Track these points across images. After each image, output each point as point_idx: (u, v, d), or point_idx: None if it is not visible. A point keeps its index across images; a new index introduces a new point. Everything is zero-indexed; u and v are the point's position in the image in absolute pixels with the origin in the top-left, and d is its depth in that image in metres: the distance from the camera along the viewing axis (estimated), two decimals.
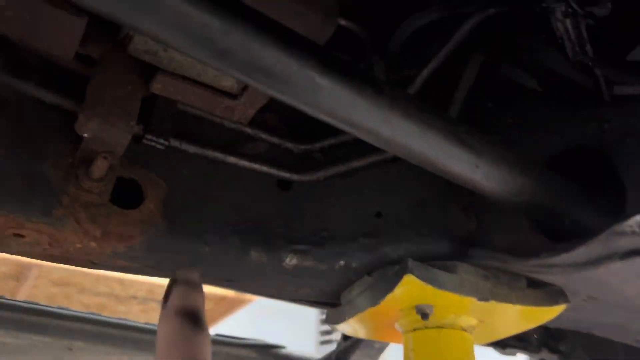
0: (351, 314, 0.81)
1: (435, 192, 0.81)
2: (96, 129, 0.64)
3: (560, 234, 0.71)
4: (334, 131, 0.87)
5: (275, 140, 0.83)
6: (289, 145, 0.84)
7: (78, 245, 0.68)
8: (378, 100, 0.54)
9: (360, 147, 0.85)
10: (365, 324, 0.84)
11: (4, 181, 0.63)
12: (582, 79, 0.81)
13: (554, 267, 0.65)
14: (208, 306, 4.08)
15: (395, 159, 0.84)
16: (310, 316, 4.91)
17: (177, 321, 0.55)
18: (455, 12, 0.79)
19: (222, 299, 4.10)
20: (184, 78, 0.68)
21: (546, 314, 0.77)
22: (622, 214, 0.64)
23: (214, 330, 1.50)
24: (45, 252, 0.68)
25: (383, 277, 0.75)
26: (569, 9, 0.68)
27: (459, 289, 0.71)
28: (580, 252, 0.61)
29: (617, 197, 0.70)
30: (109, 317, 1.30)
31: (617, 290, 0.70)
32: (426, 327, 0.77)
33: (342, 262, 0.79)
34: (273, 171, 0.81)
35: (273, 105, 0.85)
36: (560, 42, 0.73)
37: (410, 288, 0.71)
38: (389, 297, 0.72)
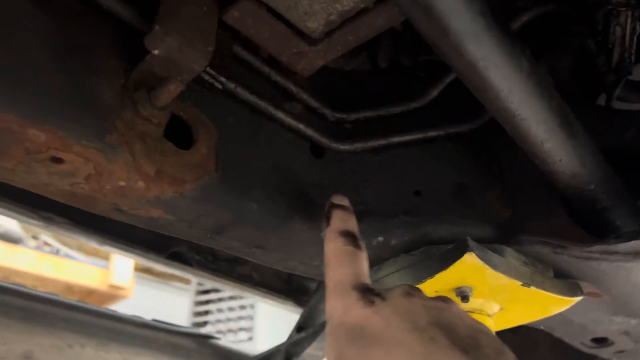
0: None
1: (473, 177, 0.80)
2: (173, 46, 0.54)
3: (592, 228, 0.74)
4: (366, 104, 0.84)
5: (313, 103, 0.77)
6: (326, 111, 0.79)
7: (121, 183, 0.56)
8: (522, 60, 0.52)
9: (395, 124, 0.82)
10: None
11: (53, 90, 0.51)
12: (584, 86, 0.87)
13: (615, 254, 0.67)
14: (72, 298, 3.71)
15: (433, 140, 0.82)
16: (183, 304, 4.69)
17: (341, 240, 0.59)
18: (513, 3, 0.80)
19: (91, 293, 3.74)
20: (269, 9, 0.61)
21: (562, 304, 0.79)
22: None
23: None
24: (74, 187, 0.56)
25: (429, 255, 0.73)
26: (637, 14, 0.72)
27: (508, 271, 0.70)
28: None
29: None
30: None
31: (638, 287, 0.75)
32: None
33: (380, 239, 0.75)
34: (314, 134, 0.75)
35: None
36: (610, 48, 0.77)
37: (464, 268, 0.69)
38: (438, 276, 0.70)
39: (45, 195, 0.58)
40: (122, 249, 1.01)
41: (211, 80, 0.63)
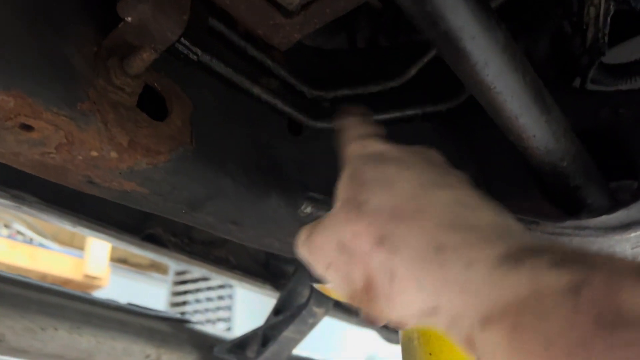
0: None
1: (449, 156, 0.80)
2: (146, 13, 0.53)
3: (565, 206, 0.76)
4: (344, 82, 0.83)
5: (291, 79, 0.77)
6: (303, 88, 0.78)
7: (93, 153, 0.55)
8: (497, 32, 0.52)
9: (373, 103, 0.82)
10: None
11: (22, 55, 0.49)
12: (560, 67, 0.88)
13: (586, 229, 0.69)
14: None
15: (410, 119, 0.82)
16: (160, 294, 4.66)
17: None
18: None
19: (66, 283, 3.68)
20: None
21: None
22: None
23: None
24: (44, 157, 0.55)
25: None
26: None
27: None
28: (619, 215, 0.65)
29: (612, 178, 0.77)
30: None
31: None
32: None
33: None
34: (291, 111, 0.74)
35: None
36: (584, 29, 0.78)
37: None
38: None
39: (14, 166, 0.57)
40: (96, 230, 0.99)
41: (186, 52, 0.62)
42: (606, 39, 0.77)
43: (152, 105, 0.61)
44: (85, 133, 0.53)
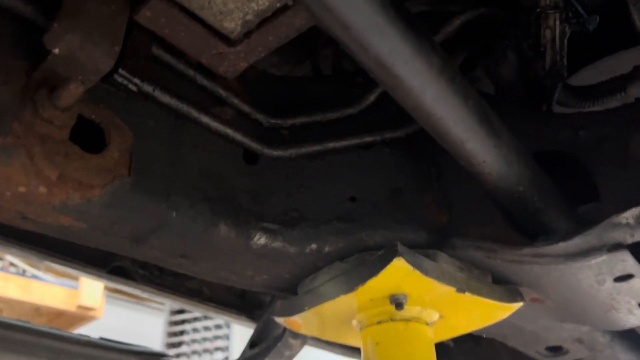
0: (313, 304, 0.74)
1: (410, 182, 0.79)
2: (74, 44, 0.52)
3: (528, 231, 0.73)
4: (305, 110, 0.82)
5: (245, 108, 0.75)
6: (259, 116, 0.77)
7: (21, 189, 0.53)
8: (431, 56, 0.51)
9: (331, 130, 0.81)
10: (322, 317, 0.78)
11: None
12: (527, 90, 0.87)
13: (545, 257, 0.66)
14: (40, 321, 3.60)
15: (370, 146, 0.80)
16: (157, 324, 4.59)
17: None
18: (444, 7, 0.80)
19: (60, 314, 3.65)
20: (182, 9, 0.59)
21: (504, 311, 0.78)
22: (599, 209, 0.68)
23: None
24: None
25: (363, 262, 0.71)
26: (564, 17, 0.71)
27: (441, 277, 0.68)
28: (577, 242, 0.63)
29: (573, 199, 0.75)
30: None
31: (579, 291, 0.73)
32: (392, 320, 0.73)
33: (313, 246, 0.72)
34: (245, 140, 0.73)
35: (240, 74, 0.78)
36: (542, 51, 0.77)
37: (395, 273, 0.67)
38: (370, 282, 0.68)
39: None
40: (61, 263, 0.97)
41: (125, 82, 0.61)
42: (565, 61, 0.76)
43: (93, 137, 0.60)
44: (10, 168, 0.52)
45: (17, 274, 3.37)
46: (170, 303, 1.18)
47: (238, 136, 0.72)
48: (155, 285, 1.11)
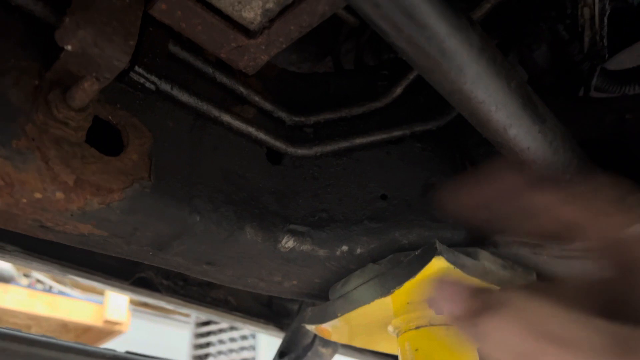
0: (346, 310, 0.70)
1: (444, 177, 0.74)
2: (87, 40, 0.49)
3: None
4: (328, 106, 0.78)
5: (267, 106, 0.72)
6: (281, 114, 0.73)
7: (37, 195, 0.50)
8: (470, 33, 0.46)
9: (358, 126, 0.77)
10: (355, 323, 0.74)
11: None
12: (561, 75, 0.82)
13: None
14: (68, 337, 3.61)
15: (399, 141, 0.76)
16: (183, 336, 4.57)
17: None
18: None
19: (87, 330, 3.65)
20: (199, 0, 0.56)
21: None
22: None
23: None
24: None
25: (397, 263, 0.66)
26: None
27: (484, 276, 0.64)
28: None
29: None
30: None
31: None
32: (431, 325, 0.69)
33: (345, 248, 0.68)
34: (268, 139, 0.69)
35: (260, 73, 0.75)
36: (580, 31, 0.72)
37: (434, 274, 0.62)
38: (407, 285, 0.63)
39: None
40: (83, 276, 0.95)
41: (142, 81, 0.58)
42: (605, 41, 0.71)
43: (110, 140, 0.57)
44: (24, 173, 0.49)
45: (44, 290, 3.39)
46: (195, 314, 1.14)
47: (261, 135, 0.69)
48: (180, 296, 1.08)
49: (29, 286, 3.30)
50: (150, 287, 1.03)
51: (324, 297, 0.76)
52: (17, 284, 3.23)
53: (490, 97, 0.51)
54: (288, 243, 0.66)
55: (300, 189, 0.70)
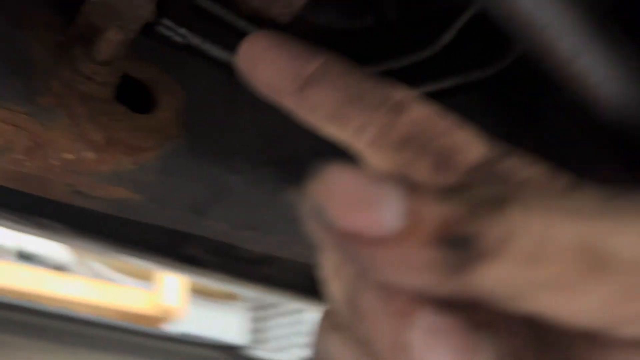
0: None
1: (501, 129, 0.68)
2: None
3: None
4: (373, 60, 0.73)
5: None
6: None
7: (68, 156, 0.48)
8: None
9: (405, 78, 0.71)
10: None
11: None
12: None
13: None
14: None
15: (452, 91, 0.71)
16: (240, 322, 4.63)
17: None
18: None
19: (142, 316, 3.72)
20: None
21: None
22: None
23: None
24: (18, 166, 0.48)
25: None
26: None
27: None
28: None
29: None
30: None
31: None
32: None
33: None
34: None
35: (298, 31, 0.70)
36: None
37: None
38: None
39: None
40: (128, 254, 0.94)
41: (170, 34, 0.54)
42: None
43: (140, 101, 0.54)
44: (52, 131, 0.46)
45: (101, 278, 3.48)
46: (245, 292, 1.12)
47: None
48: (228, 272, 1.05)
49: (87, 275, 3.40)
50: (198, 263, 1.01)
51: None
52: (76, 272, 3.34)
53: (554, 20, 0.44)
54: None
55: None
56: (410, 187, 0.23)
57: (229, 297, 4.73)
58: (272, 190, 0.58)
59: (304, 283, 1.20)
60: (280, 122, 0.63)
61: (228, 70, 0.60)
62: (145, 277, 3.81)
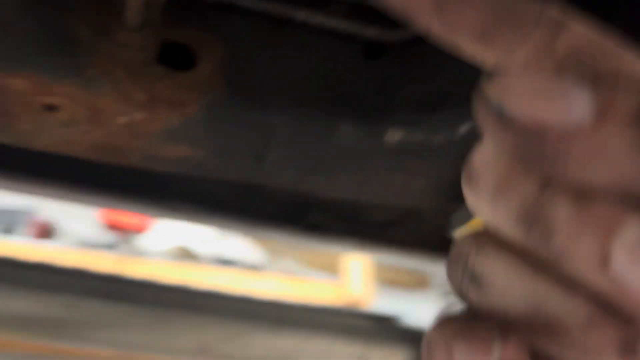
0: None
1: None
2: None
3: None
4: None
5: None
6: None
7: (121, 119, 0.54)
8: None
9: None
10: None
11: (24, 36, 0.51)
12: None
13: None
14: None
15: None
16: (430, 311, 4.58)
17: None
18: None
19: None
20: None
21: None
22: None
23: None
24: (88, 137, 0.55)
25: None
26: None
27: None
28: None
29: None
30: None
31: None
32: None
33: (465, 127, 0.59)
34: (363, 32, 0.63)
35: None
36: None
37: None
38: None
39: (78, 156, 0.59)
40: (254, 228, 1.00)
41: None
42: None
43: (184, 60, 0.58)
44: (102, 98, 0.52)
45: (291, 274, 3.73)
46: (369, 254, 1.12)
47: (353, 30, 0.63)
48: (356, 238, 1.06)
49: (277, 271, 3.67)
50: (324, 231, 1.04)
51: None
52: (267, 270, 3.62)
53: None
54: (395, 135, 0.59)
55: (404, 78, 0.63)
56: (593, 76, 0.22)
57: (419, 285, 4.71)
58: (324, 127, 0.58)
59: (433, 242, 1.15)
60: (331, 66, 0.62)
61: (272, 19, 0.62)
62: (331, 270, 3.98)
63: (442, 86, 0.61)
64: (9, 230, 3.18)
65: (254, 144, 0.58)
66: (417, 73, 0.63)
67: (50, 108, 0.52)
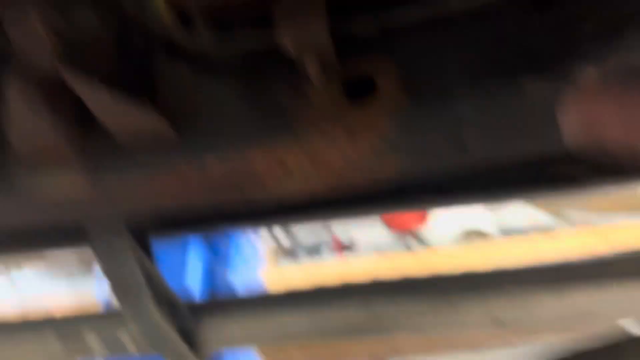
0: None
1: None
2: (292, 35, 0.61)
3: None
4: None
5: None
6: None
7: (338, 161, 0.65)
8: None
9: None
10: None
11: (247, 120, 0.66)
12: None
13: None
14: None
15: None
16: None
17: None
18: None
19: None
20: None
21: None
22: None
23: None
24: (308, 182, 0.67)
25: None
26: None
27: None
28: None
29: None
30: None
31: None
32: None
33: None
34: None
35: None
36: None
37: None
38: None
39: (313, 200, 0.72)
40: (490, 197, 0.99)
41: (360, 30, 0.65)
42: None
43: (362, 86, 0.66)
44: (314, 145, 0.64)
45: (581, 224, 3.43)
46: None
47: None
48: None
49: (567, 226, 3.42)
50: (566, 180, 0.98)
51: None
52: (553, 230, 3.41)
53: None
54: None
55: (582, 15, 0.60)
56: None
57: None
58: (502, 96, 0.60)
59: None
60: (494, 34, 0.63)
61: (423, 20, 0.65)
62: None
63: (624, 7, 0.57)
64: (316, 250, 3.70)
65: (452, 133, 0.63)
66: (594, 16, 0.60)
67: (287, 172, 0.66)
